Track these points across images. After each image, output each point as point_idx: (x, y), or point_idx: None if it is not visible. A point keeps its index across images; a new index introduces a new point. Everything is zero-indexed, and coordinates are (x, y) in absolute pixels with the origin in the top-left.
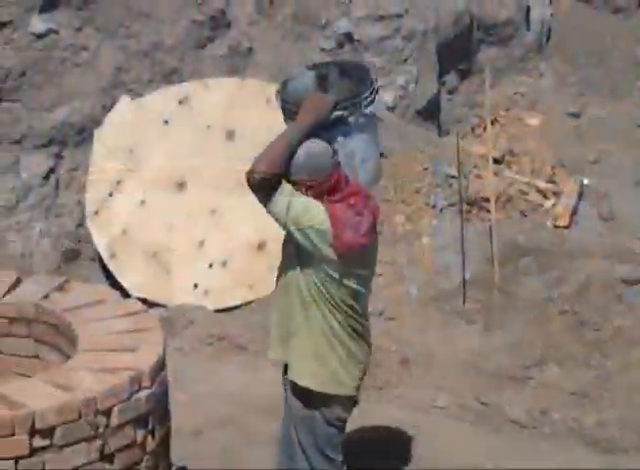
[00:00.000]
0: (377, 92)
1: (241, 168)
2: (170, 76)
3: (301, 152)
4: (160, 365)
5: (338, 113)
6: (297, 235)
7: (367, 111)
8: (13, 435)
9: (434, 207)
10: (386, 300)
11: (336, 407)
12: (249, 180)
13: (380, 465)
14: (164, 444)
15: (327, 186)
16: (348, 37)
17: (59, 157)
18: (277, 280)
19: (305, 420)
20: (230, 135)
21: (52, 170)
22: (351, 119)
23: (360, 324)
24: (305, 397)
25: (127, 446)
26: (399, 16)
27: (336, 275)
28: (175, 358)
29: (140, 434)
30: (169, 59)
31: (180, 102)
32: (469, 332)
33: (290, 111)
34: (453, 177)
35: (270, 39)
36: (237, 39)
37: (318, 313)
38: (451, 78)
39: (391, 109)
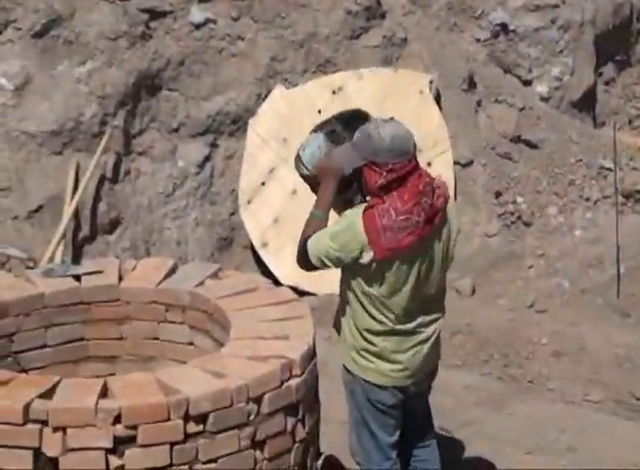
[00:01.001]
0: None
1: None
2: (325, 66)
3: (387, 134)
4: (311, 354)
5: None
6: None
7: None
8: (168, 420)
9: (587, 199)
10: (536, 292)
11: (378, 392)
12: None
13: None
14: (314, 432)
15: (406, 171)
16: (504, 28)
17: (214, 145)
18: None
19: (352, 393)
20: None
21: (207, 159)
22: None
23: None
24: (350, 373)
25: (278, 434)
26: (555, 6)
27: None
28: (323, 347)
29: (290, 422)
30: (324, 49)
31: (334, 92)
32: (623, 326)
33: (311, 178)
34: (608, 169)
35: (425, 30)
36: (391, 29)
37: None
38: (608, 70)
39: (546, 100)
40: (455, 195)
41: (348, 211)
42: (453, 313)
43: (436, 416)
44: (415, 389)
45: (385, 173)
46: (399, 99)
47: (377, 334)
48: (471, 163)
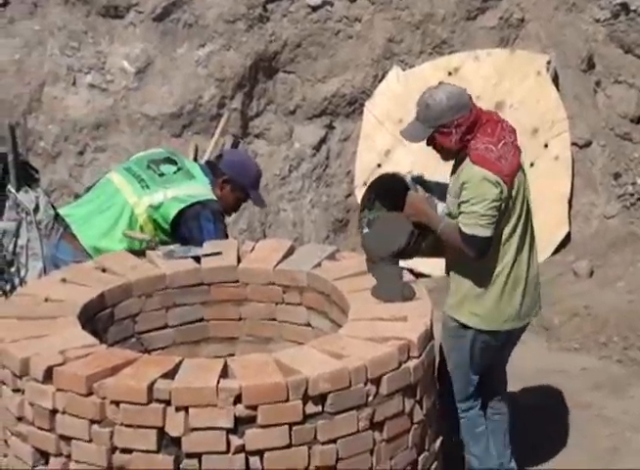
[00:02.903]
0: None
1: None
2: (441, 48)
3: (441, 96)
4: (428, 335)
5: None
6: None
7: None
8: (287, 401)
9: None
10: None
11: (484, 335)
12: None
13: None
14: (432, 414)
15: (471, 120)
16: (624, 7)
17: (330, 127)
18: None
19: (459, 340)
20: (499, 106)
21: (323, 141)
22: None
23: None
24: (462, 326)
25: (396, 416)
26: None
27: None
28: (439, 329)
29: (408, 403)
30: (440, 30)
31: (450, 73)
32: None
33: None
34: None
35: (542, 10)
36: (509, 10)
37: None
38: None
39: None
40: (573, 176)
41: (463, 177)
42: (571, 296)
43: (554, 398)
44: (520, 331)
45: (454, 130)
46: (516, 80)
47: (500, 275)
48: (589, 144)
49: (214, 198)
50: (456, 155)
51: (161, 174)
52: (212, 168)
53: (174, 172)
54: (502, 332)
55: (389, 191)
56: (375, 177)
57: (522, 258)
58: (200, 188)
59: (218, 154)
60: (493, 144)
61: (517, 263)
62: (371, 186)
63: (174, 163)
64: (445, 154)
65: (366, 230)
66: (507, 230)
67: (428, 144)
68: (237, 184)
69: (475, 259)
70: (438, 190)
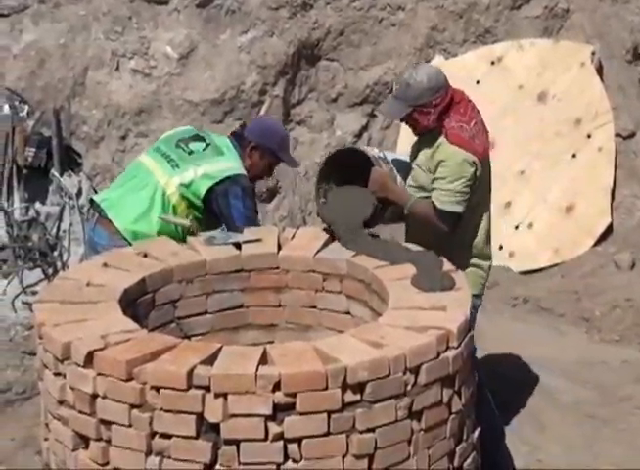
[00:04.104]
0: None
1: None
2: (484, 37)
3: (422, 77)
4: (468, 325)
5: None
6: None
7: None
8: (326, 389)
9: None
10: None
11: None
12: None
13: None
14: (469, 404)
15: (447, 101)
16: None
17: (372, 115)
18: None
19: None
20: (542, 97)
21: (365, 128)
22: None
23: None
24: None
25: (434, 405)
26: None
27: None
28: (478, 319)
29: (447, 393)
30: (484, 19)
31: (493, 62)
32: None
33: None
34: None
35: (587, 0)
36: (554, 0)
37: None
38: None
39: None
40: (615, 167)
41: (440, 156)
42: (612, 287)
43: (594, 391)
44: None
45: (432, 110)
46: (560, 70)
47: (487, 244)
48: (633, 135)
49: (244, 173)
50: (429, 131)
51: (190, 152)
52: (238, 139)
53: (203, 149)
54: (481, 295)
55: (348, 164)
56: (334, 150)
57: (484, 227)
58: (230, 163)
59: (241, 123)
60: (466, 123)
61: (481, 231)
62: (330, 158)
63: (203, 139)
64: (419, 130)
65: (323, 200)
66: (473, 203)
67: (402, 120)
68: (265, 149)
69: (447, 233)
70: (396, 163)
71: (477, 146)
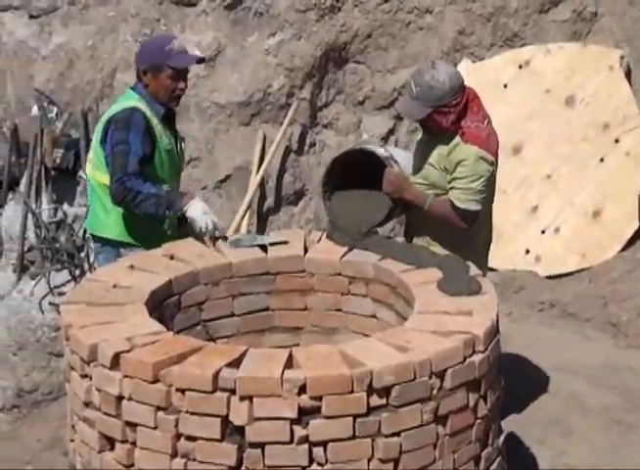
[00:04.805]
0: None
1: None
2: (512, 41)
3: (444, 77)
4: (494, 330)
5: None
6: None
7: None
8: (352, 392)
9: None
10: None
11: None
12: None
13: None
14: (495, 409)
15: (464, 102)
16: None
17: (399, 119)
18: None
19: None
20: (569, 101)
21: (392, 132)
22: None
23: None
24: None
25: (460, 410)
26: None
27: None
28: (504, 323)
29: (472, 398)
30: (512, 23)
31: (520, 66)
32: None
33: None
34: None
35: (617, 4)
36: (582, 4)
37: None
38: None
39: None
40: None
41: (459, 156)
42: (639, 293)
43: (620, 396)
44: None
45: (452, 110)
46: (588, 74)
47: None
48: None
49: (118, 111)
50: (439, 132)
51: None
52: (137, 76)
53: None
54: None
55: (353, 165)
56: (342, 152)
57: (489, 222)
58: (106, 115)
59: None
60: (480, 122)
61: (487, 226)
62: (337, 159)
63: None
64: (435, 130)
65: (330, 203)
66: (487, 200)
67: (419, 121)
68: (153, 67)
69: (465, 230)
70: (402, 160)
71: (492, 144)
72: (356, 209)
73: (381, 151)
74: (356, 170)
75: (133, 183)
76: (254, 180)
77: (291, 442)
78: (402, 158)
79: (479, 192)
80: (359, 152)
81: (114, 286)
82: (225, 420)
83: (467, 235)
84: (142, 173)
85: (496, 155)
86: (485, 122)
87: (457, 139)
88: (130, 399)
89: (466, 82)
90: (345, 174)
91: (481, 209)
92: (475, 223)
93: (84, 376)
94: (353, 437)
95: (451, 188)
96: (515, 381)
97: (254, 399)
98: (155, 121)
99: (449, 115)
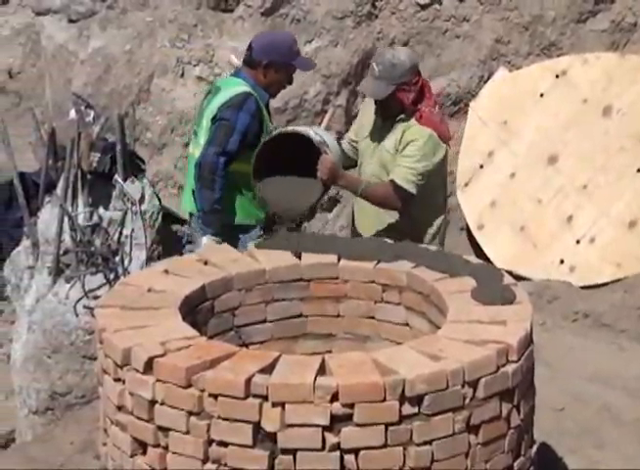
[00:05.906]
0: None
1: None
2: (549, 50)
3: (404, 57)
4: (528, 340)
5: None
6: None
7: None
8: (384, 400)
9: None
10: None
11: None
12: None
13: None
14: (528, 419)
15: (421, 80)
16: None
17: None
18: None
19: None
20: (607, 111)
21: None
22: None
23: None
24: None
25: (492, 420)
26: None
27: None
28: (538, 333)
29: (505, 408)
30: (549, 32)
31: (557, 76)
32: None
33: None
34: None
35: None
36: (621, 14)
37: None
38: None
39: None
40: None
41: (411, 136)
42: None
43: None
44: None
45: (412, 88)
46: (625, 85)
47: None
48: None
49: (236, 96)
50: (397, 113)
51: (201, 113)
52: (249, 63)
53: (207, 103)
54: None
55: (283, 146)
56: (276, 132)
57: (443, 208)
58: (220, 99)
59: (248, 45)
60: (432, 106)
61: (441, 211)
62: (270, 140)
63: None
64: (394, 110)
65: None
66: (435, 186)
67: (381, 101)
68: (278, 63)
69: (398, 210)
70: (329, 141)
71: (445, 129)
72: (289, 193)
73: (315, 136)
74: (282, 152)
75: (222, 170)
76: None
77: (322, 449)
78: (328, 138)
79: (420, 175)
80: (289, 135)
81: (149, 290)
82: (257, 426)
83: (422, 222)
84: (238, 154)
85: (449, 139)
86: (437, 108)
87: (412, 121)
88: (163, 403)
89: (504, 91)
90: (271, 159)
91: (438, 193)
92: (407, 205)
93: (117, 380)
94: (385, 445)
95: (396, 166)
96: (548, 391)
97: (287, 406)
98: (261, 106)
99: (410, 93)
